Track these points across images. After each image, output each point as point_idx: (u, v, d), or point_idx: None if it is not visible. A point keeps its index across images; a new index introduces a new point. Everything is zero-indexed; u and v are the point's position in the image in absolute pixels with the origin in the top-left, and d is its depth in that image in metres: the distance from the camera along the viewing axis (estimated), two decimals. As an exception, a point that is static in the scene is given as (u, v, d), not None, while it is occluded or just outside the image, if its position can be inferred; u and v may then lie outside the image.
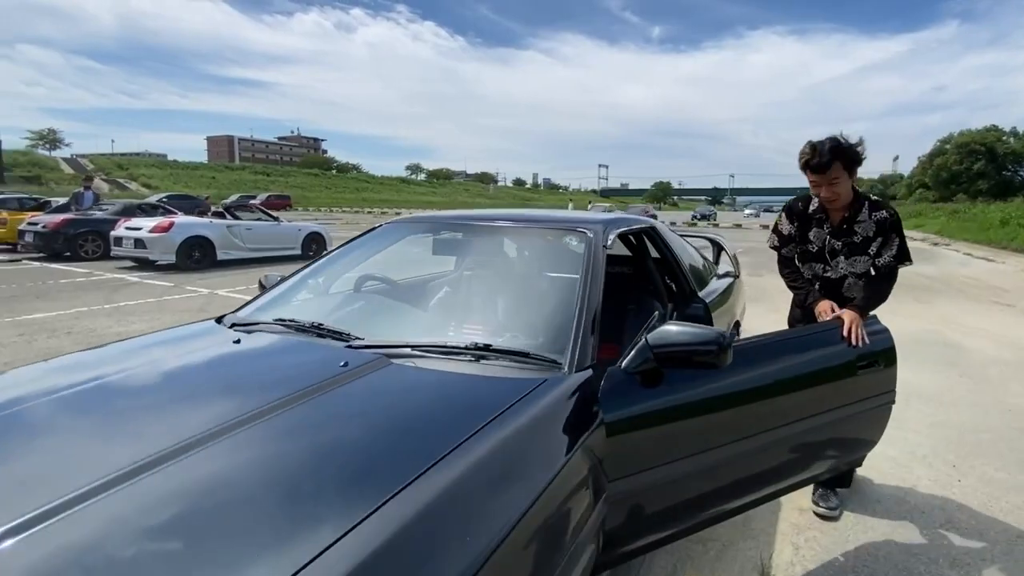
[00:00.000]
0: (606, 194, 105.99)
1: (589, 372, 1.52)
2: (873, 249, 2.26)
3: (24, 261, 10.40)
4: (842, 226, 2.30)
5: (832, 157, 2.11)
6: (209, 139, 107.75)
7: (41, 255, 10.65)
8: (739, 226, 31.12)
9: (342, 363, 1.48)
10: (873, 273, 2.31)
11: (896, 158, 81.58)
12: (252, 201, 27.52)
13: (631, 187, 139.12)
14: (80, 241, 10.51)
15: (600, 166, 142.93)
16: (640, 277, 2.80)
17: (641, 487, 1.50)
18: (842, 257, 2.33)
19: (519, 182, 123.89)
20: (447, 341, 1.65)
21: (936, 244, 19.67)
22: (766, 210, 70.61)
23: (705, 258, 3.61)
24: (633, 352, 1.55)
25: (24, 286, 7.77)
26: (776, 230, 2.50)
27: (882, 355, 2.09)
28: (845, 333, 2.01)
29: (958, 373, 4.44)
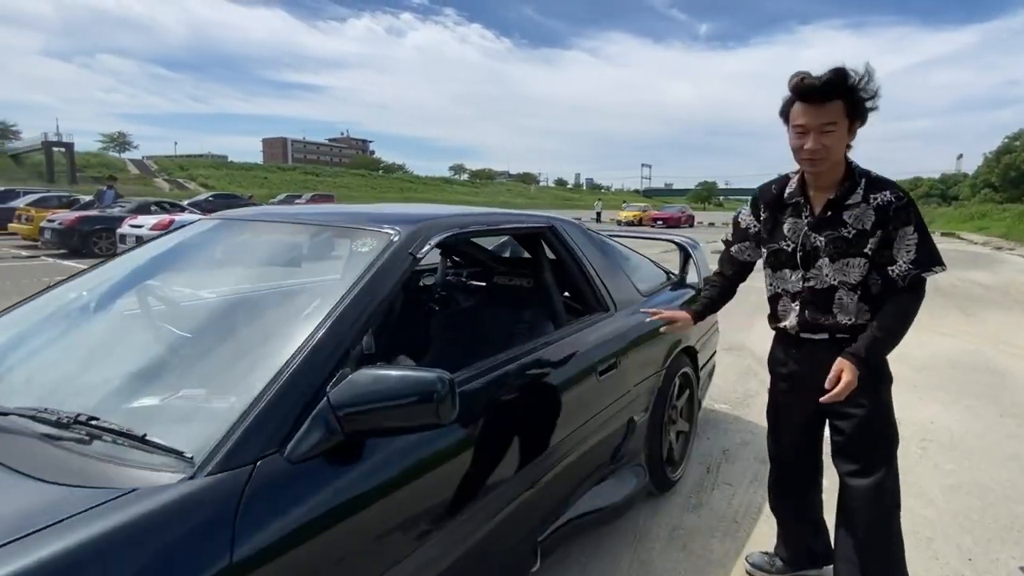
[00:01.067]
0: (648, 194, 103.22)
1: (249, 469, 0.89)
2: (872, 247, 1.49)
3: (42, 257, 10.52)
4: (826, 213, 1.53)
5: (834, 87, 1.39)
6: (264, 141, 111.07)
7: (60, 251, 10.75)
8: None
9: None
10: (882, 288, 1.53)
11: (960, 156, 75.57)
12: (297, 200, 27.71)
13: (675, 187, 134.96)
14: (94, 238, 10.55)
15: (643, 165, 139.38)
16: (539, 291, 2.14)
17: None
18: (826, 259, 1.54)
19: (561, 182, 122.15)
20: (48, 405, 1.03)
21: (999, 248, 17.75)
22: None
23: (661, 268, 2.89)
24: (307, 423, 0.93)
25: (19, 283, 7.70)
26: (734, 221, 1.82)
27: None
28: (828, 396, 1.48)
29: (999, 412, 3.51)
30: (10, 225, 12.64)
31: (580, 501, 1.86)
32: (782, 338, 1.73)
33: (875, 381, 1.56)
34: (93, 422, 0.95)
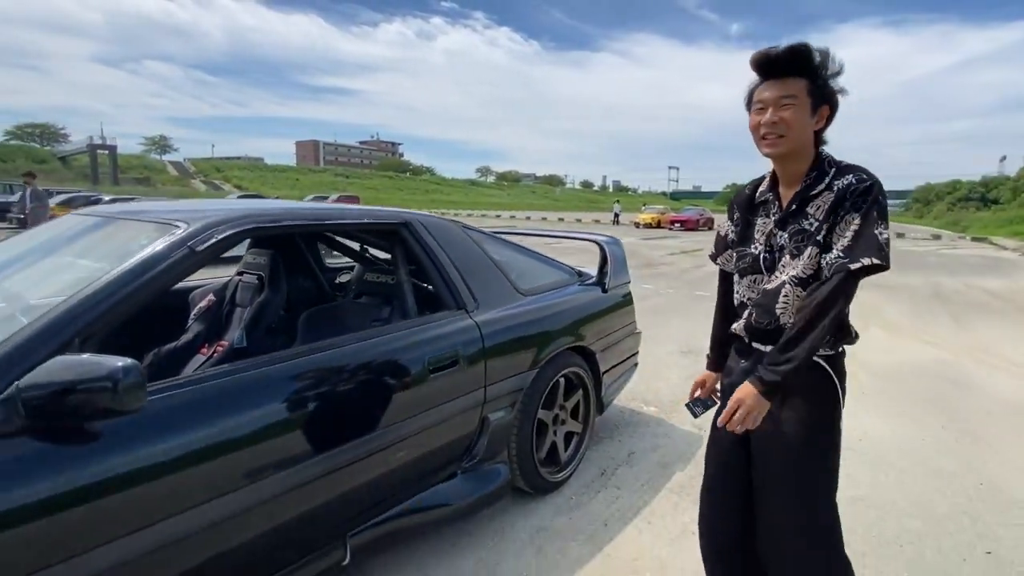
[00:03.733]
0: (676, 196, 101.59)
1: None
2: (823, 235, 1.31)
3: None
4: (791, 207, 1.37)
5: (797, 57, 1.29)
6: (297, 143, 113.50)
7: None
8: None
9: None
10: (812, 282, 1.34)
11: (1003, 158, 71.72)
12: (324, 201, 28.26)
13: (703, 189, 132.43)
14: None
15: (670, 168, 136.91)
16: (396, 287, 2.13)
17: None
18: (787, 257, 1.37)
19: (587, 184, 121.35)
20: None
21: (1029, 255, 16.89)
22: (847, 214, 64.80)
23: (565, 268, 2.84)
24: None
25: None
26: (715, 233, 1.67)
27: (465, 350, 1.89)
28: (723, 420, 1.34)
29: (941, 424, 3.34)
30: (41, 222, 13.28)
31: (419, 496, 1.85)
32: (736, 345, 1.54)
33: (812, 433, 1.36)
34: None
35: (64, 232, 1.84)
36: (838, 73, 1.33)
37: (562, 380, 2.44)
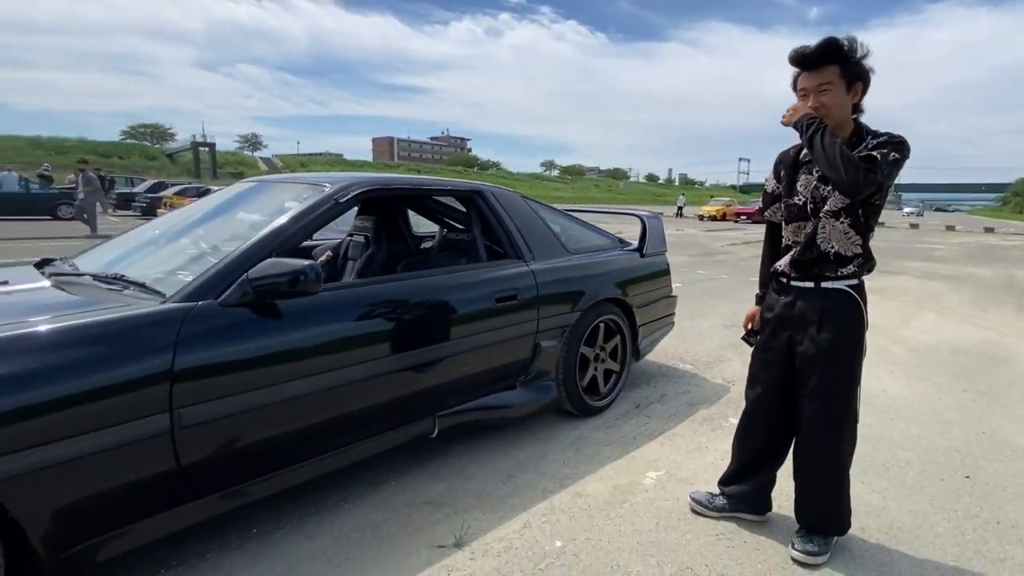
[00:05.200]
0: (746, 189, 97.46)
1: (193, 304, 1.56)
2: None
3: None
4: None
5: (828, 49, 1.58)
6: (374, 140, 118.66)
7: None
8: (881, 224, 26.93)
9: (2, 281, 1.79)
10: None
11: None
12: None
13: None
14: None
15: (741, 160, 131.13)
16: (470, 240, 2.71)
17: (239, 411, 1.60)
18: (828, 205, 1.69)
19: (652, 178, 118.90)
20: (116, 273, 1.81)
21: None
22: (938, 209, 59.93)
23: (607, 236, 3.31)
24: (234, 286, 1.59)
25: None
26: (763, 191, 1.98)
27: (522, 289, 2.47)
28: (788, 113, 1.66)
29: (963, 388, 3.54)
30: (158, 211, 15.06)
31: (488, 397, 2.41)
32: (775, 285, 1.88)
33: (851, 330, 1.71)
34: (123, 278, 1.69)
35: (245, 192, 2.53)
36: (866, 56, 1.60)
37: (602, 325, 2.92)
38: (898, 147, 1.57)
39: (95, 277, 1.79)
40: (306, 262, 1.63)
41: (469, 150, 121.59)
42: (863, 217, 1.68)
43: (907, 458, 2.55)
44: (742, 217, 26.71)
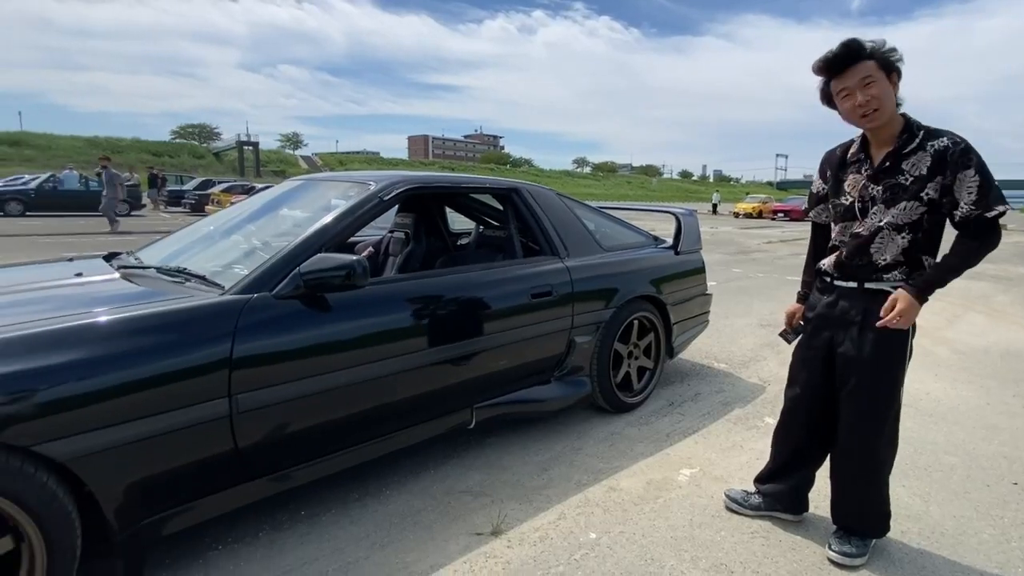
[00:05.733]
0: (783, 186, 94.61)
1: (250, 296, 1.64)
2: (930, 193, 1.54)
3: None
4: (884, 164, 1.60)
5: (858, 47, 1.52)
6: (409, 139, 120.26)
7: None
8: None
9: (77, 273, 1.90)
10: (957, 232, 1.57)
11: None
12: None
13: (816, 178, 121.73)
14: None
15: (778, 156, 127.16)
16: (506, 237, 2.75)
17: (291, 398, 1.68)
18: (881, 206, 1.61)
19: (685, 174, 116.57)
20: (179, 266, 1.93)
21: None
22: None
23: (642, 233, 3.30)
24: (287, 279, 1.67)
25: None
26: (808, 192, 1.94)
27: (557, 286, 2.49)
28: (883, 320, 1.57)
29: (1012, 394, 3.39)
30: (206, 207, 15.63)
31: (523, 391, 2.44)
32: (819, 284, 1.83)
33: (887, 349, 1.65)
34: (185, 271, 1.80)
35: (293, 190, 2.63)
36: (893, 48, 1.55)
37: (636, 322, 2.92)
38: (973, 162, 1.50)
39: (159, 270, 1.91)
40: (354, 257, 1.70)
41: (502, 147, 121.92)
42: (929, 235, 1.61)
43: (951, 462, 2.47)
44: (779, 214, 25.99)
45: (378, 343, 1.89)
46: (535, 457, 2.43)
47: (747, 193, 41.14)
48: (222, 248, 2.21)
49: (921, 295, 1.57)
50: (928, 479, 2.32)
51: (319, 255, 1.73)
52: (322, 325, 1.76)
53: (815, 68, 1.59)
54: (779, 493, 1.96)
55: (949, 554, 1.83)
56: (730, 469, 2.38)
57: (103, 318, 1.44)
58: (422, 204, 3.08)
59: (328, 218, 1.93)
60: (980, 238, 1.53)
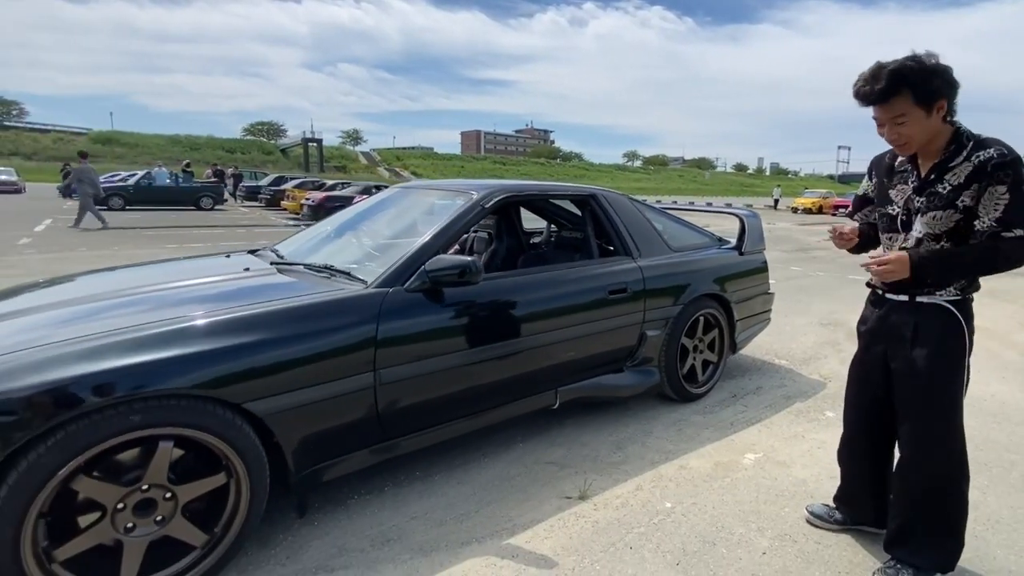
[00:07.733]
0: (845, 179, 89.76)
1: (387, 289, 1.97)
2: (965, 201, 1.46)
3: (302, 226, 13.81)
4: (930, 176, 1.53)
5: (893, 83, 1.39)
6: (462, 134, 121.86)
7: (313, 222, 14.01)
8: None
9: (245, 268, 2.27)
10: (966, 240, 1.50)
11: None
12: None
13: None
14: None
15: (840, 148, 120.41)
16: (583, 239, 2.99)
17: (417, 374, 1.99)
18: (919, 216, 1.54)
19: (740, 167, 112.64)
20: (323, 262, 2.28)
21: None
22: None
23: (706, 234, 3.46)
24: (415, 276, 1.98)
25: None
26: (856, 193, 1.89)
27: (631, 283, 2.71)
28: (868, 260, 1.56)
29: (1084, 396, 3.33)
30: (282, 202, 16.63)
31: (600, 378, 2.69)
32: (870, 298, 1.77)
33: (947, 349, 1.55)
34: (331, 267, 2.16)
35: (398, 196, 2.98)
36: (935, 73, 1.40)
37: (701, 318, 3.10)
38: (1013, 176, 1.40)
39: (306, 266, 2.27)
40: (470, 258, 1.99)
41: (552, 142, 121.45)
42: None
43: (1012, 459, 2.54)
44: (840, 210, 24.88)
45: (482, 331, 2.19)
46: (610, 437, 2.68)
47: (805, 187, 39.43)
48: (350, 247, 2.57)
49: (916, 269, 1.51)
50: (987, 473, 2.41)
51: (439, 256, 2.04)
52: (440, 313, 2.06)
53: (854, 94, 1.50)
54: (859, 508, 1.91)
55: (1004, 539, 1.95)
56: (793, 455, 2.54)
57: (281, 306, 1.79)
58: (503, 207, 3.37)
59: (443, 223, 2.24)
60: (989, 253, 1.45)
